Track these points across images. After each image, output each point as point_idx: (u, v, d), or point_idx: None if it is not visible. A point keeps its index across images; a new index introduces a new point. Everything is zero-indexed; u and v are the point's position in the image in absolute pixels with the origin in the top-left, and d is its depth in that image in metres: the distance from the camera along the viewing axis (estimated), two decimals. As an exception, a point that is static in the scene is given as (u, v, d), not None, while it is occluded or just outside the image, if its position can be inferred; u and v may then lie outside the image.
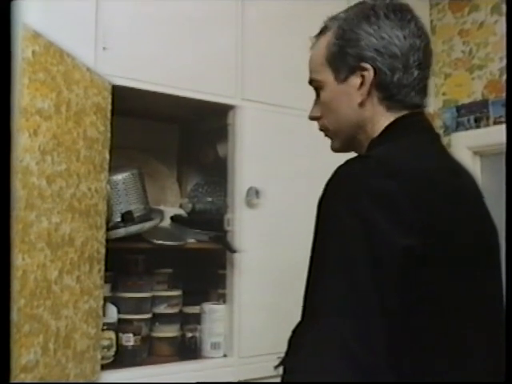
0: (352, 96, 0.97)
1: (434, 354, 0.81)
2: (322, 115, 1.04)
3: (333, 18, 1.02)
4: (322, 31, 1.03)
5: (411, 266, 0.77)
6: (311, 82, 1.05)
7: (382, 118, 0.96)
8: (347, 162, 0.87)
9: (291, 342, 0.82)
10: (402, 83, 0.95)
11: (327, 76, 1.00)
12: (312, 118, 1.07)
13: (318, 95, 1.04)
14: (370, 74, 0.94)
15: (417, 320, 0.80)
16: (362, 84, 0.95)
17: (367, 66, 0.94)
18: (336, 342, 0.74)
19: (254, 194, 1.86)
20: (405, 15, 0.97)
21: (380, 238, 0.77)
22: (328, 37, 1.00)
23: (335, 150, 1.07)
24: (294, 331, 0.82)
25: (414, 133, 0.96)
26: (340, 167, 0.87)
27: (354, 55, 0.96)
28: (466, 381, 0.82)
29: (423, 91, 0.98)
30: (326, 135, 1.06)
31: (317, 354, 0.75)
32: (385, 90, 0.95)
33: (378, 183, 0.81)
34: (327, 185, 0.85)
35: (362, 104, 0.96)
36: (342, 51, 0.97)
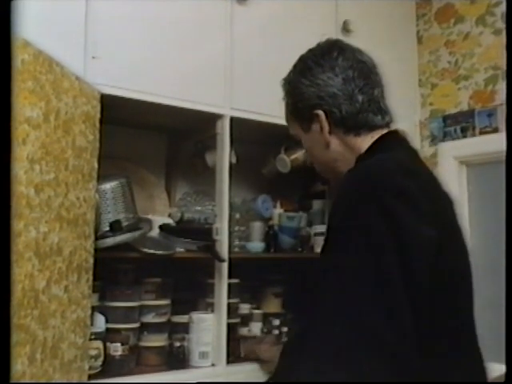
0: (319, 140, 1.09)
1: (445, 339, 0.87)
2: (310, 160, 1.19)
3: (283, 80, 1.17)
4: (284, 92, 1.17)
5: (433, 254, 0.83)
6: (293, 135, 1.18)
7: (356, 144, 1.06)
8: (362, 165, 0.97)
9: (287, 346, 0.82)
10: (351, 112, 1.05)
11: (297, 129, 1.14)
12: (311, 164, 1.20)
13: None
14: (322, 118, 1.06)
15: (436, 309, 0.84)
16: (321, 128, 1.07)
17: (317, 112, 1.06)
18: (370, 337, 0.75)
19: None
20: (331, 55, 1.08)
21: (406, 230, 0.81)
22: (286, 97, 1.16)
23: (333, 184, 1.20)
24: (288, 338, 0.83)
25: (398, 146, 1.05)
26: (354, 171, 0.97)
27: (304, 108, 1.09)
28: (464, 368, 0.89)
29: (380, 111, 1.07)
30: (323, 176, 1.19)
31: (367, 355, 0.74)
32: (342, 124, 1.06)
33: (398, 181, 0.87)
34: (344, 185, 0.90)
35: (328, 144, 1.08)
36: (295, 107, 1.12)
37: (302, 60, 1.13)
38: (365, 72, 1.07)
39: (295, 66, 1.14)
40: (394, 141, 1.06)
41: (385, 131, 1.06)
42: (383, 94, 1.09)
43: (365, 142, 1.05)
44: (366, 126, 1.05)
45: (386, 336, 0.74)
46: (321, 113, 1.05)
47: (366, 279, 0.78)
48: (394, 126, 1.10)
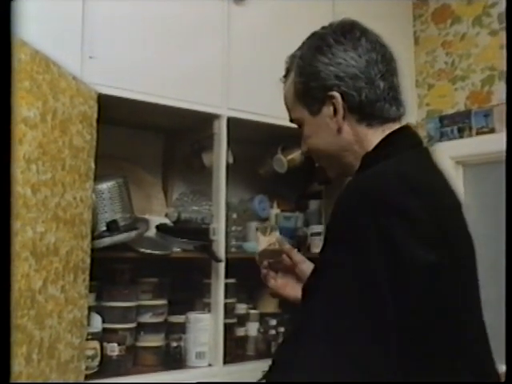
0: (329, 125, 1.00)
1: (448, 361, 0.83)
2: (309, 149, 1.07)
3: (292, 57, 1.06)
4: (287, 71, 1.07)
5: (431, 279, 0.80)
6: (292, 120, 1.08)
7: (367, 136, 0.99)
8: (364, 178, 0.90)
9: (277, 355, 0.82)
10: (371, 99, 0.97)
11: (302, 112, 1.03)
12: (304, 154, 1.11)
13: (302, 131, 1.07)
14: (338, 101, 0.97)
15: (431, 332, 0.81)
16: (335, 112, 0.98)
17: (333, 93, 0.97)
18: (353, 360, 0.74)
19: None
20: (354, 34, 1.00)
21: (404, 253, 0.78)
22: (292, 76, 1.05)
23: (332, 177, 1.09)
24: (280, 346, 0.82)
25: (409, 148, 0.99)
26: (357, 182, 0.90)
27: (318, 88, 0.99)
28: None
29: (396, 101, 1.01)
30: (320, 166, 1.09)
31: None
32: (358, 110, 0.98)
33: (400, 198, 0.83)
34: (343, 199, 0.86)
35: (339, 130, 0.99)
36: (306, 87, 1.01)
37: (319, 36, 1.02)
38: (387, 57, 1.01)
39: (308, 43, 1.04)
40: (405, 141, 1.00)
41: (396, 126, 1.00)
42: (400, 84, 1.03)
43: (375, 135, 0.98)
44: (380, 117, 0.98)
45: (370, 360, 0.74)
46: (337, 95, 0.97)
47: (353, 298, 0.77)
48: (404, 120, 1.04)
